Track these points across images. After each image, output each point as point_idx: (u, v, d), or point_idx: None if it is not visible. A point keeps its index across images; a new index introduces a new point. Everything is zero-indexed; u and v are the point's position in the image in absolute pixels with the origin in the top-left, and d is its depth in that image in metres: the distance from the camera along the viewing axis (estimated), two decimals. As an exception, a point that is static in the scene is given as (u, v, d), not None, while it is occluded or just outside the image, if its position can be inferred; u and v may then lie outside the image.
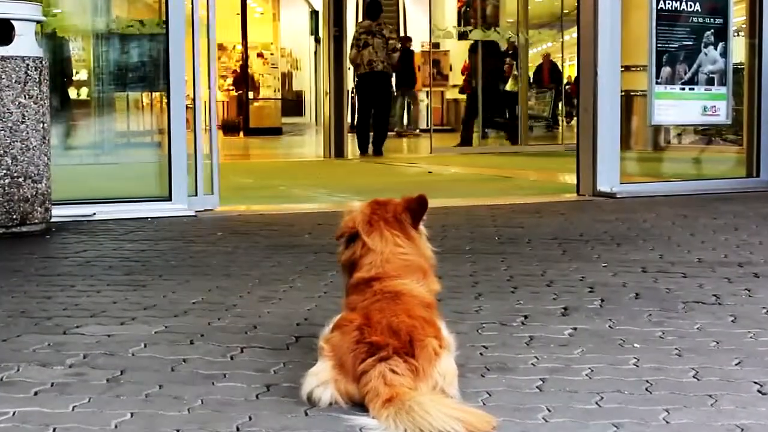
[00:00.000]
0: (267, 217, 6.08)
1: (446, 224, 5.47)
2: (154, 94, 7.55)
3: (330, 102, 13.54)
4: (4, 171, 5.05)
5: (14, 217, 5.09)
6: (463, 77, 16.52)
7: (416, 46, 19.71)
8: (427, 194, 2.53)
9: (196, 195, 6.30)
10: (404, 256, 2.43)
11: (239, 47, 21.73)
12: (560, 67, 18.60)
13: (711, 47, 7.40)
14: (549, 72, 18.20)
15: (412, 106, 21.04)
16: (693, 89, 7.39)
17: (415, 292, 2.37)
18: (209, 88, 6.58)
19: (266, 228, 5.52)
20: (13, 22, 5.12)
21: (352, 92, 14.96)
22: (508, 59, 15.53)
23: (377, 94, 13.09)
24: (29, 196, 5.13)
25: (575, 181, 7.31)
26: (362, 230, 2.46)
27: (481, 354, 2.72)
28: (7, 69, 5.04)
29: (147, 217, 5.86)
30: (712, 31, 7.40)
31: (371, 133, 13.34)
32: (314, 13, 19.06)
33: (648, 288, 3.67)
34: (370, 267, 2.41)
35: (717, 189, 7.35)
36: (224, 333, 2.99)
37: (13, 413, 2.21)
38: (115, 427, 2.13)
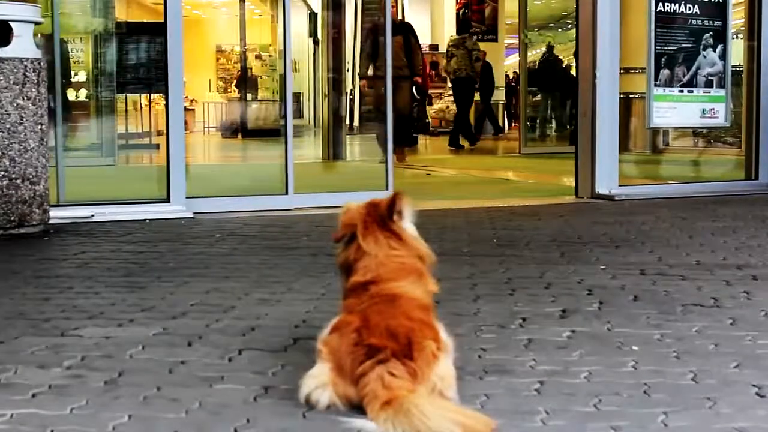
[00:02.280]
0: (265, 218, 6.07)
1: (444, 226, 5.47)
2: (152, 95, 7.57)
3: (329, 104, 13.53)
4: (3, 172, 5.04)
5: (12, 218, 5.08)
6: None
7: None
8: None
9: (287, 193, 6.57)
10: (399, 259, 2.42)
11: (237, 49, 21.71)
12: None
13: (710, 49, 7.40)
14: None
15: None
16: (692, 92, 7.39)
17: (413, 295, 2.36)
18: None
19: (264, 230, 5.52)
20: (11, 23, 5.12)
21: (350, 94, 14.85)
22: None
23: (462, 97, 15.04)
24: (27, 198, 5.13)
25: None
26: (357, 233, 2.45)
27: (479, 356, 2.71)
28: (5, 70, 5.04)
29: (145, 219, 5.86)
30: (711, 33, 7.40)
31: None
32: (313, 15, 19.05)
33: (646, 290, 3.67)
34: (366, 271, 2.40)
35: (716, 191, 7.35)
36: (222, 335, 2.99)
37: (11, 415, 2.21)
38: (113, 429, 2.13)
